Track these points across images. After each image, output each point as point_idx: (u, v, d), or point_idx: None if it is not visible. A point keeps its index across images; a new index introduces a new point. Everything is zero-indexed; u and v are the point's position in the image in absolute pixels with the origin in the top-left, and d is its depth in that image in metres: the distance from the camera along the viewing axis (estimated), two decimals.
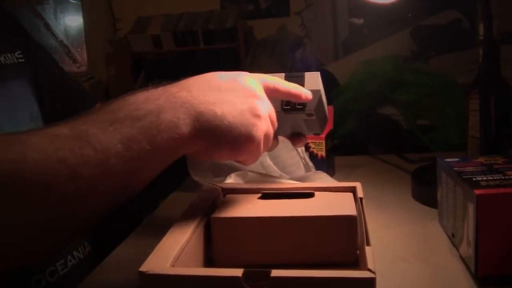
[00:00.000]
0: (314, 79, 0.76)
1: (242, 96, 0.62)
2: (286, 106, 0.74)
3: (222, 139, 0.59)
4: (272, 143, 0.77)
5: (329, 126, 1.13)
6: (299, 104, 0.74)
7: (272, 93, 0.68)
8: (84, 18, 3.84)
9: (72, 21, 3.88)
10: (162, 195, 1.12)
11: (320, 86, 0.76)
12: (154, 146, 0.54)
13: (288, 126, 0.78)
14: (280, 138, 0.80)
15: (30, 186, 0.47)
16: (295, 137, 0.80)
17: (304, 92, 0.72)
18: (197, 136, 0.57)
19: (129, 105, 0.55)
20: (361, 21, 3.27)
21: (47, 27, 3.79)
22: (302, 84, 0.74)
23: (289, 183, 0.81)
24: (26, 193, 0.47)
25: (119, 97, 0.57)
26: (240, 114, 0.60)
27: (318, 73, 0.77)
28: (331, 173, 1.11)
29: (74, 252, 0.91)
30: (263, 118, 0.63)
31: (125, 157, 0.52)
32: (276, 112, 0.71)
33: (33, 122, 0.89)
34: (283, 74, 0.76)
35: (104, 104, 0.57)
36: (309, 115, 0.75)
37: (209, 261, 0.63)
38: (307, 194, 0.69)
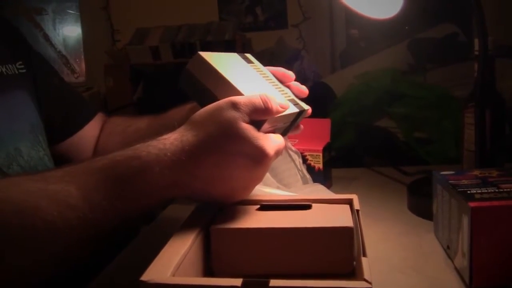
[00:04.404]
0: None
1: (244, 168, 0.63)
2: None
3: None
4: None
5: (326, 139, 1.14)
6: None
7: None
8: (82, 28, 3.85)
9: (71, 32, 3.89)
10: (160, 206, 1.12)
11: None
12: (144, 212, 0.63)
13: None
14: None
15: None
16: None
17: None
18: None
19: (140, 183, 0.60)
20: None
21: (46, 37, 3.81)
22: None
23: (286, 195, 0.81)
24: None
25: (134, 153, 0.61)
26: (230, 189, 0.65)
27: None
28: (328, 185, 1.12)
29: None
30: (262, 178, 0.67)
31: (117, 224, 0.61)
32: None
33: (33, 132, 0.90)
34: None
35: (122, 159, 0.61)
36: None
37: (208, 271, 0.63)
38: (304, 206, 0.69)
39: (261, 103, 0.64)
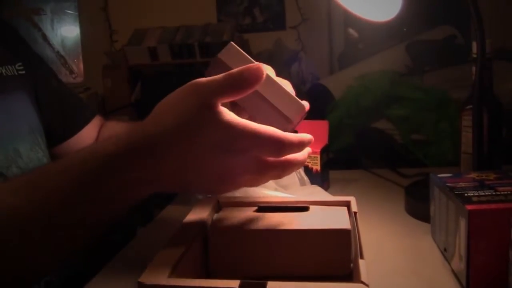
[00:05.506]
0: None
1: (211, 153, 0.57)
2: None
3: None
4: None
5: (324, 141, 1.14)
6: None
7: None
8: (81, 29, 3.85)
9: (69, 32, 3.89)
10: (158, 207, 1.12)
11: None
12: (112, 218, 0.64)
13: None
14: None
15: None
16: None
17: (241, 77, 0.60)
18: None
19: (114, 183, 0.59)
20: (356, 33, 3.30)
21: (44, 37, 3.81)
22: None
23: (284, 197, 0.82)
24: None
25: (108, 157, 0.59)
26: (206, 181, 0.60)
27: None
28: (326, 187, 1.12)
29: None
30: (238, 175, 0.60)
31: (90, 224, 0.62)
32: None
33: (31, 134, 0.90)
34: None
35: (98, 162, 0.60)
36: None
37: (206, 273, 0.63)
38: (302, 208, 0.69)
39: (233, 77, 0.59)
